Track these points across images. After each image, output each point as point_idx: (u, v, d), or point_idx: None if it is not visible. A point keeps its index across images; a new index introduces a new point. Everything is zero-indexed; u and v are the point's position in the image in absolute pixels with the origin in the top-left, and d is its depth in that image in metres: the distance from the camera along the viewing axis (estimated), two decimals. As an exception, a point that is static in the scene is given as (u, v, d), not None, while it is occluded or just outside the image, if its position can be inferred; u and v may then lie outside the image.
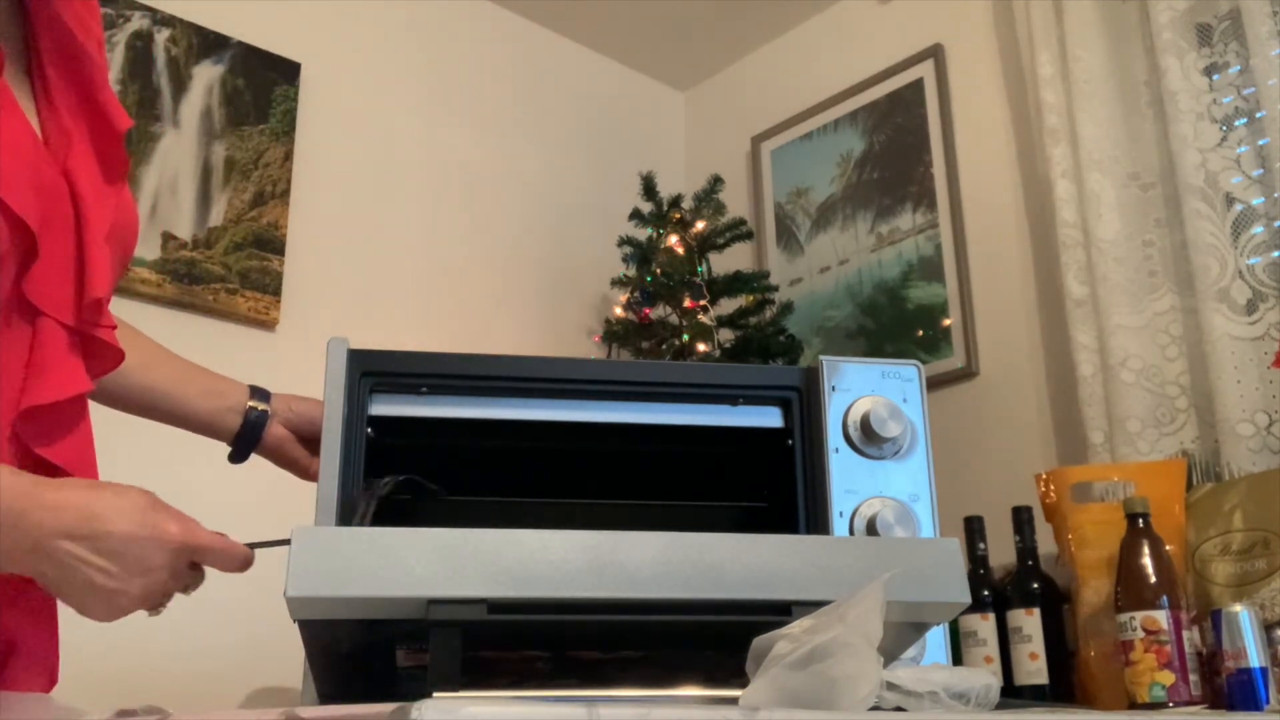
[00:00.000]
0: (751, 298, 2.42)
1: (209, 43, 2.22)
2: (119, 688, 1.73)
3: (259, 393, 1.23)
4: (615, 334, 2.47)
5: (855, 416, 1.17)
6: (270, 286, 2.17)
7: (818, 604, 0.73)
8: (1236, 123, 1.92)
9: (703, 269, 2.41)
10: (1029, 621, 1.66)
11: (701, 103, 3.10)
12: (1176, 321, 1.92)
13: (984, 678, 0.80)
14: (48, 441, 0.85)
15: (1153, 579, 1.45)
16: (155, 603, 0.85)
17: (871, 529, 1.13)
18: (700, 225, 2.45)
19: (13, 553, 0.77)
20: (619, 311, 2.51)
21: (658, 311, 2.45)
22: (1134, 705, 1.42)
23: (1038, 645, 1.65)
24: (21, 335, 0.84)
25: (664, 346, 2.37)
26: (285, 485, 2.11)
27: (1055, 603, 1.68)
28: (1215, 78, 1.96)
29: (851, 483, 1.15)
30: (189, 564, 0.86)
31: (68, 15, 0.92)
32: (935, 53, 2.49)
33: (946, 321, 2.33)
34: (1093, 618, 1.59)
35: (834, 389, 1.18)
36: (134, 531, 0.79)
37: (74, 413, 0.89)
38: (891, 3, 2.63)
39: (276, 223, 2.22)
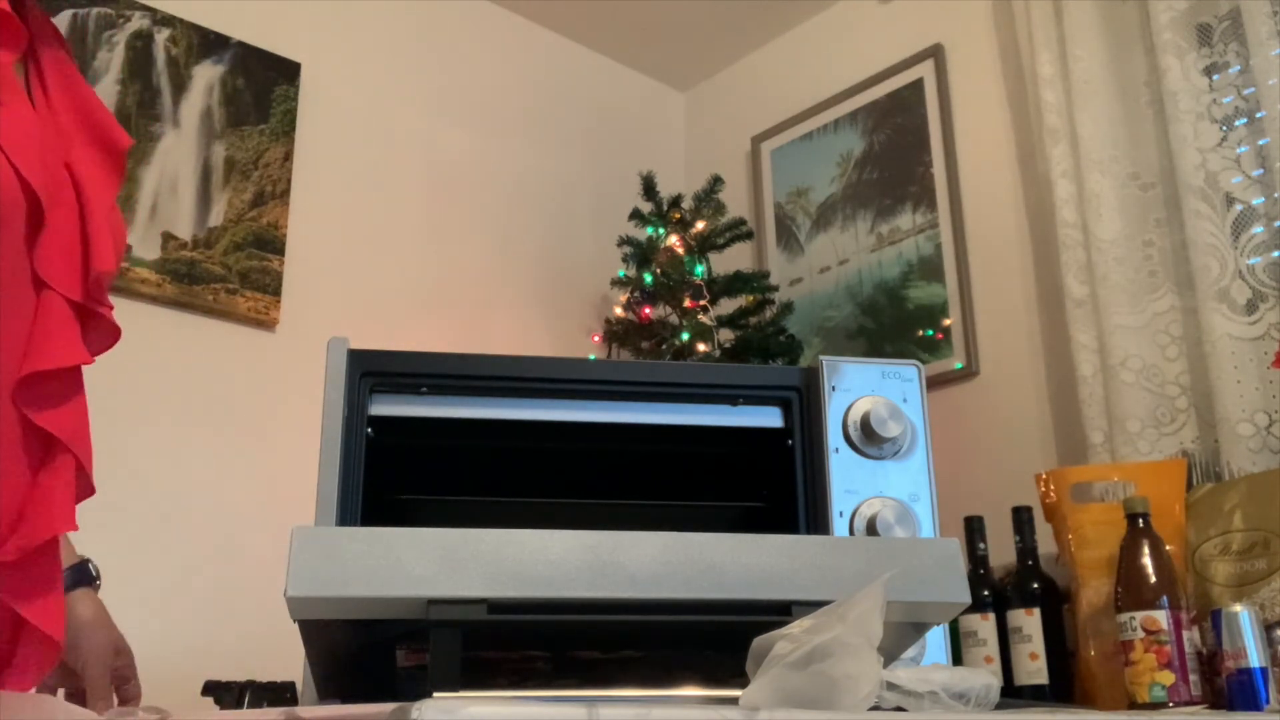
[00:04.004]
0: (751, 298, 2.42)
1: (209, 43, 2.22)
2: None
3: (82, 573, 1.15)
4: (615, 334, 2.47)
5: (855, 416, 1.17)
6: (270, 286, 2.17)
7: (818, 604, 0.73)
8: (1236, 123, 1.92)
9: (702, 269, 2.41)
10: (1029, 621, 1.66)
11: (701, 103, 3.10)
12: (1176, 321, 1.92)
13: (984, 678, 0.80)
14: (46, 409, 0.87)
15: (1153, 579, 1.45)
16: None
17: (871, 529, 1.13)
18: (700, 225, 2.45)
19: None
20: (619, 311, 2.51)
21: (658, 311, 2.45)
22: (1134, 705, 1.42)
23: (1038, 645, 1.65)
24: (26, 306, 0.87)
25: (664, 346, 2.37)
26: (284, 486, 2.11)
27: (1055, 603, 1.68)
28: (1215, 78, 1.96)
29: (851, 483, 1.16)
30: None
31: (60, 44, 0.97)
32: (935, 53, 2.49)
33: (946, 321, 2.33)
34: (1093, 618, 1.59)
35: (834, 389, 1.18)
36: None
37: (71, 385, 0.91)
38: (891, 3, 2.63)
39: (276, 223, 2.22)
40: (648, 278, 2.41)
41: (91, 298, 0.91)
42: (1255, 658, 1.37)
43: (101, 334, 0.95)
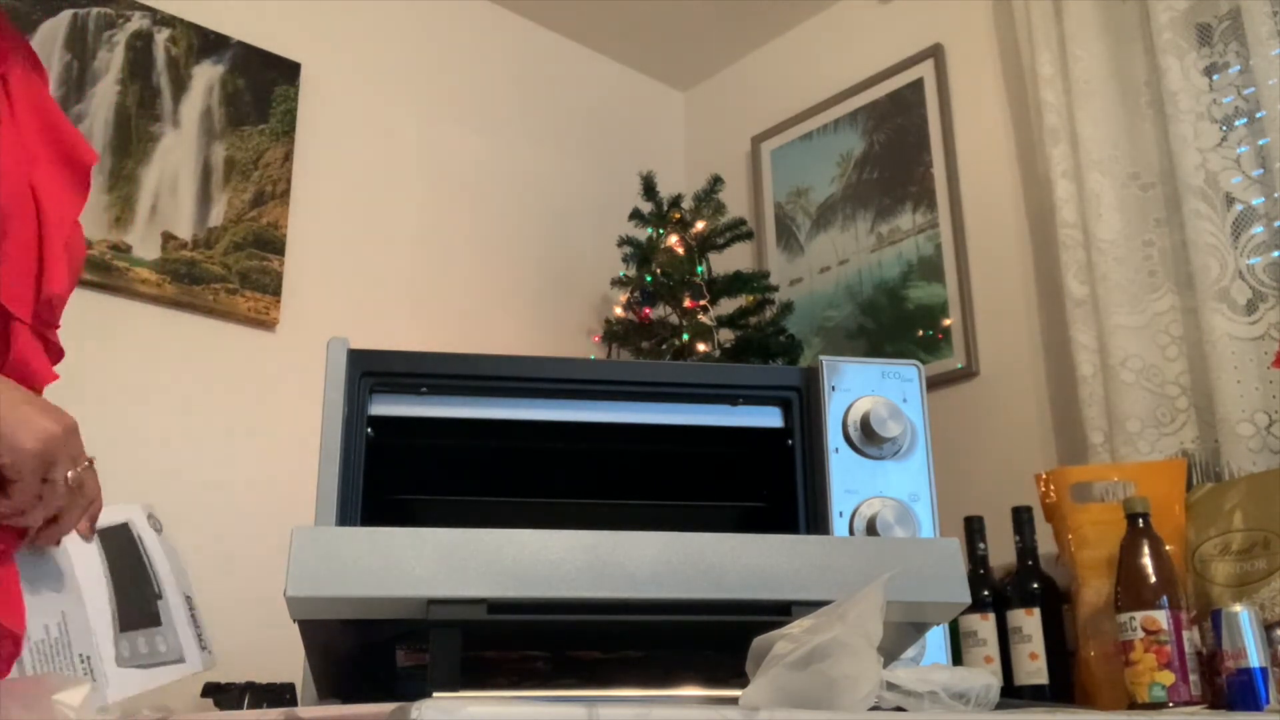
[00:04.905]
0: (751, 298, 2.41)
1: (209, 43, 2.22)
2: (119, 688, 1.73)
3: None
4: (615, 334, 2.47)
5: (855, 416, 1.17)
6: (270, 286, 2.17)
7: (818, 604, 0.73)
8: (1236, 123, 1.92)
9: (702, 269, 2.40)
10: (1029, 621, 1.66)
11: (701, 103, 3.10)
12: (1176, 321, 1.92)
13: (984, 678, 0.80)
14: None
15: (1153, 579, 1.45)
16: None
17: (871, 529, 1.13)
18: (700, 225, 2.45)
19: None
20: (619, 311, 2.51)
21: (658, 311, 2.44)
22: (1134, 705, 1.42)
23: (1038, 645, 1.65)
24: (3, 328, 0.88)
25: (664, 346, 2.37)
26: (284, 486, 2.11)
27: (1055, 603, 1.68)
28: (1215, 78, 1.96)
29: (851, 483, 1.16)
30: None
31: (31, 61, 0.98)
32: (935, 53, 2.49)
33: (946, 321, 2.33)
34: (1093, 618, 1.59)
35: (834, 389, 1.18)
36: None
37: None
38: (891, 3, 2.63)
39: (276, 223, 2.22)
40: (648, 278, 2.41)
41: (40, 319, 0.92)
42: (1255, 658, 1.37)
43: (52, 355, 0.96)
